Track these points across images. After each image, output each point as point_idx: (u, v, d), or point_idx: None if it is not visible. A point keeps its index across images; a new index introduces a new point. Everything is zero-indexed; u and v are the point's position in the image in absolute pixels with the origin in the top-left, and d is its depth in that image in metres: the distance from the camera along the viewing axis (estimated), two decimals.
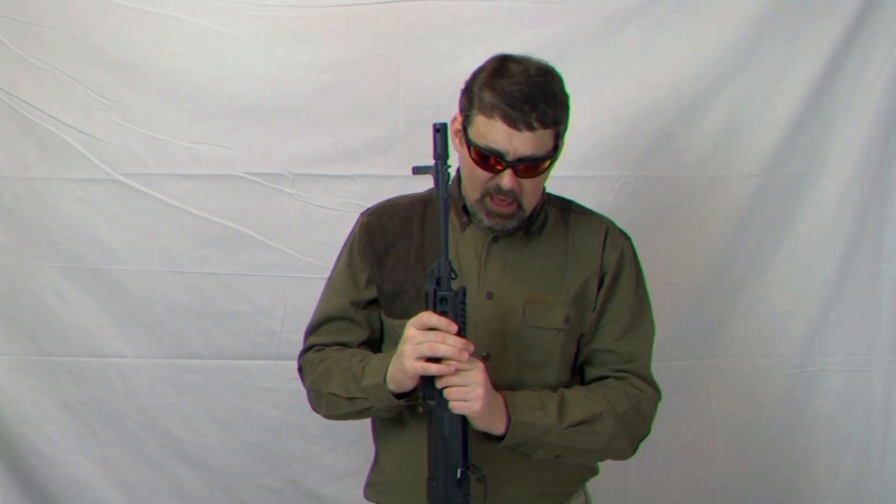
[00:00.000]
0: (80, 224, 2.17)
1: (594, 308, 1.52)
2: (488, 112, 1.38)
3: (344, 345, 1.55)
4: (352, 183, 2.16)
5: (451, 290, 1.33)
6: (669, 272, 2.17)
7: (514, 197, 1.43)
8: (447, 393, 1.33)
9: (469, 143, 1.43)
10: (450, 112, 2.13)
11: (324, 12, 2.12)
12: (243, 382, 2.22)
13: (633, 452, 1.53)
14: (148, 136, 2.14)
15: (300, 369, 1.60)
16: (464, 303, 1.33)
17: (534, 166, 1.41)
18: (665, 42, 2.14)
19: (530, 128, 1.37)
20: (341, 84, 2.14)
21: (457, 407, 1.33)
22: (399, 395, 1.39)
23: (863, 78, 2.15)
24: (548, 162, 1.43)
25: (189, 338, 2.21)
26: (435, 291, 1.33)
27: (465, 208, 1.52)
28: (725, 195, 2.19)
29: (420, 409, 1.38)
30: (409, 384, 1.36)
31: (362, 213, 1.61)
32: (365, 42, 2.13)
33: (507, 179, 1.41)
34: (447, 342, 1.30)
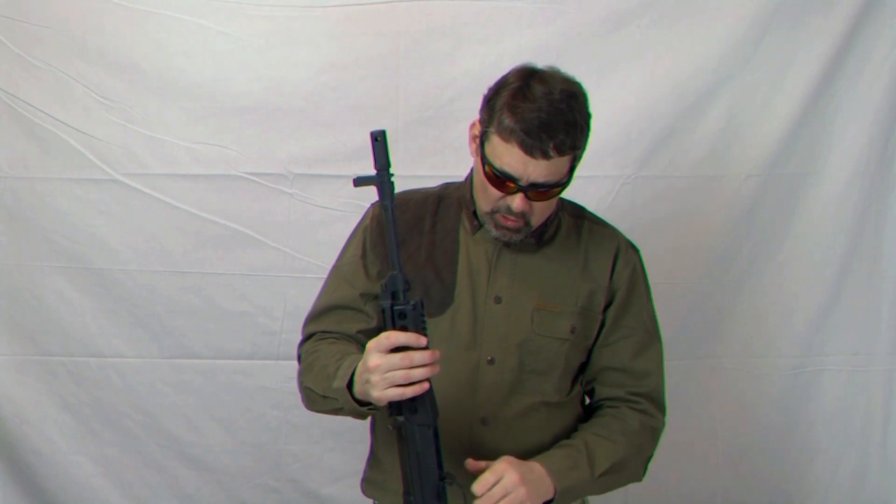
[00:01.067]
0: (80, 224, 2.17)
1: (602, 322, 1.52)
2: (506, 136, 1.36)
3: (343, 333, 1.52)
4: (352, 183, 2.15)
5: (409, 302, 1.27)
6: (669, 272, 2.17)
7: (522, 216, 1.42)
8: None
9: (484, 160, 1.41)
10: (450, 112, 2.15)
11: (324, 12, 2.12)
12: (243, 382, 2.22)
13: (644, 474, 1.56)
14: (148, 136, 2.14)
15: (299, 358, 1.57)
16: (423, 315, 1.28)
17: (546, 191, 1.40)
18: (665, 42, 2.14)
19: (546, 156, 1.35)
20: (341, 84, 2.13)
21: None
22: (365, 402, 1.35)
23: (863, 78, 2.15)
24: (561, 187, 1.42)
25: (189, 338, 2.21)
26: (392, 307, 1.27)
27: (475, 213, 1.51)
28: (725, 195, 2.19)
29: (390, 427, 1.34)
30: (379, 405, 1.31)
31: (373, 205, 1.58)
32: (365, 42, 2.12)
33: (517, 202, 1.39)
34: (415, 362, 1.24)
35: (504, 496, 1.32)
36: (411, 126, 2.13)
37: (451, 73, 2.11)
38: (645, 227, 2.15)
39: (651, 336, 1.56)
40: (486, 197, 1.44)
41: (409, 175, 2.00)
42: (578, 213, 1.58)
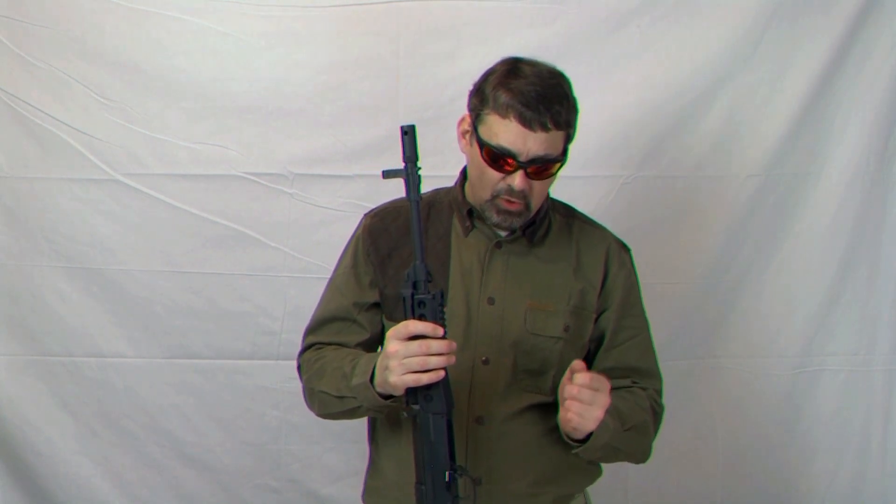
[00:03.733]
0: (80, 224, 2.17)
1: (596, 321, 1.54)
2: (503, 112, 1.38)
3: (342, 345, 1.55)
4: (352, 183, 2.16)
5: (429, 292, 1.31)
6: (669, 272, 2.17)
7: (523, 197, 1.43)
8: (569, 404, 1.34)
9: (480, 143, 1.42)
10: (450, 112, 2.15)
11: (324, 12, 2.12)
12: (243, 382, 2.22)
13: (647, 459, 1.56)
14: (148, 136, 2.14)
15: (299, 368, 1.60)
16: (441, 305, 1.31)
17: (545, 168, 1.41)
18: (665, 42, 2.14)
19: (544, 128, 1.37)
20: (341, 84, 2.14)
21: (573, 420, 1.35)
22: (386, 396, 1.38)
23: (863, 78, 2.15)
24: (559, 164, 1.44)
25: (189, 338, 2.21)
26: (412, 296, 1.31)
27: (469, 213, 1.52)
28: (725, 195, 2.19)
29: (404, 415, 1.37)
30: (397, 392, 1.34)
31: (366, 215, 1.60)
32: (365, 42, 2.13)
33: (518, 180, 1.41)
34: (432, 350, 1.28)
35: (588, 402, 1.34)
36: None
37: (451, 73, 2.11)
38: (645, 227, 2.15)
39: (648, 336, 1.59)
40: (485, 182, 1.45)
41: None
42: (569, 213, 1.59)
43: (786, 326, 2.24)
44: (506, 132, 1.38)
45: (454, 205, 1.55)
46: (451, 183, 1.61)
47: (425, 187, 1.63)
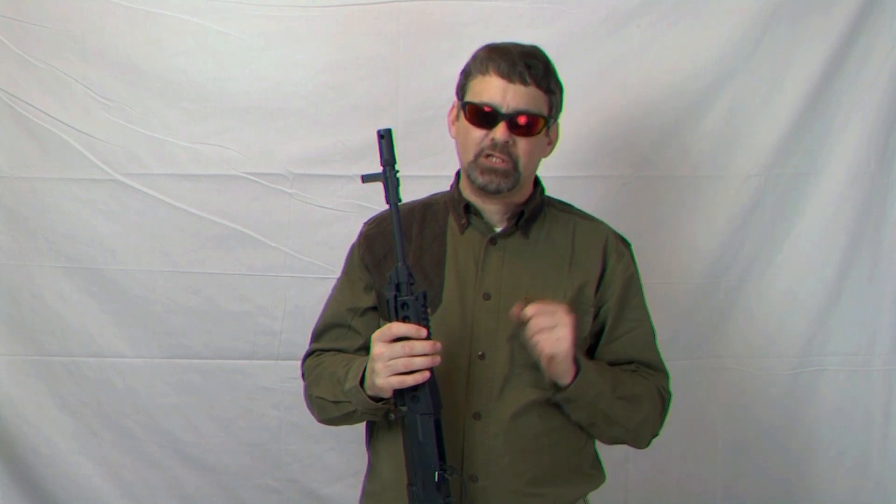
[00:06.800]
0: (80, 224, 2.17)
1: (596, 315, 1.54)
2: (483, 68, 1.45)
3: (342, 351, 1.57)
4: (352, 183, 2.16)
5: (412, 294, 1.33)
6: (669, 272, 2.17)
7: (508, 153, 1.45)
8: (535, 340, 1.35)
9: (465, 107, 1.47)
10: None
11: (324, 12, 2.12)
12: (243, 382, 2.22)
13: (647, 445, 1.57)
14: (148, 136, 2.14)
15: (303, 375, 1.62)
16: (425, 306, 1.33)
17: (528, 124, 1.44)
18: (665, 42, 2.14)
19: (523, 80, 1.43)
20: (341, 84, 2.14)
21: (545, 348, 1.35)
22: (377, 398, 1.40)
23: (863, 78, 2.15)
24: (542, 122, 1.46)
25: (189, 338, 2.21)
26: (395, 297, 1.33)
27: (465, 209, 1.53)
28: (725, 195, 2.19)
29: (392, 416, 1.39)
30: (385, 393, 1.37)
31: (364, 224, 1.63)
32: (365, 42, 2.13)
33: (500, 132, 1.44)
34: (416, 351, 1.30)
35: (550, 326, 1.36)
36: (411, 126, 2.13)
37: (451, 73, 2.08)
38: (645, 227, 2.15)
39: (650, 327, 1.60)
40: (470, 144, 1.48)
41: (409, 175, 1.98)
42: (565, 208, 1.61)
43: (786, 326, 2.24)
44: (487, 87, 1.44)
45: (450, 204, 1.57)
46: (450, 183, 1.61)
47: (426, 187, 1.66)
